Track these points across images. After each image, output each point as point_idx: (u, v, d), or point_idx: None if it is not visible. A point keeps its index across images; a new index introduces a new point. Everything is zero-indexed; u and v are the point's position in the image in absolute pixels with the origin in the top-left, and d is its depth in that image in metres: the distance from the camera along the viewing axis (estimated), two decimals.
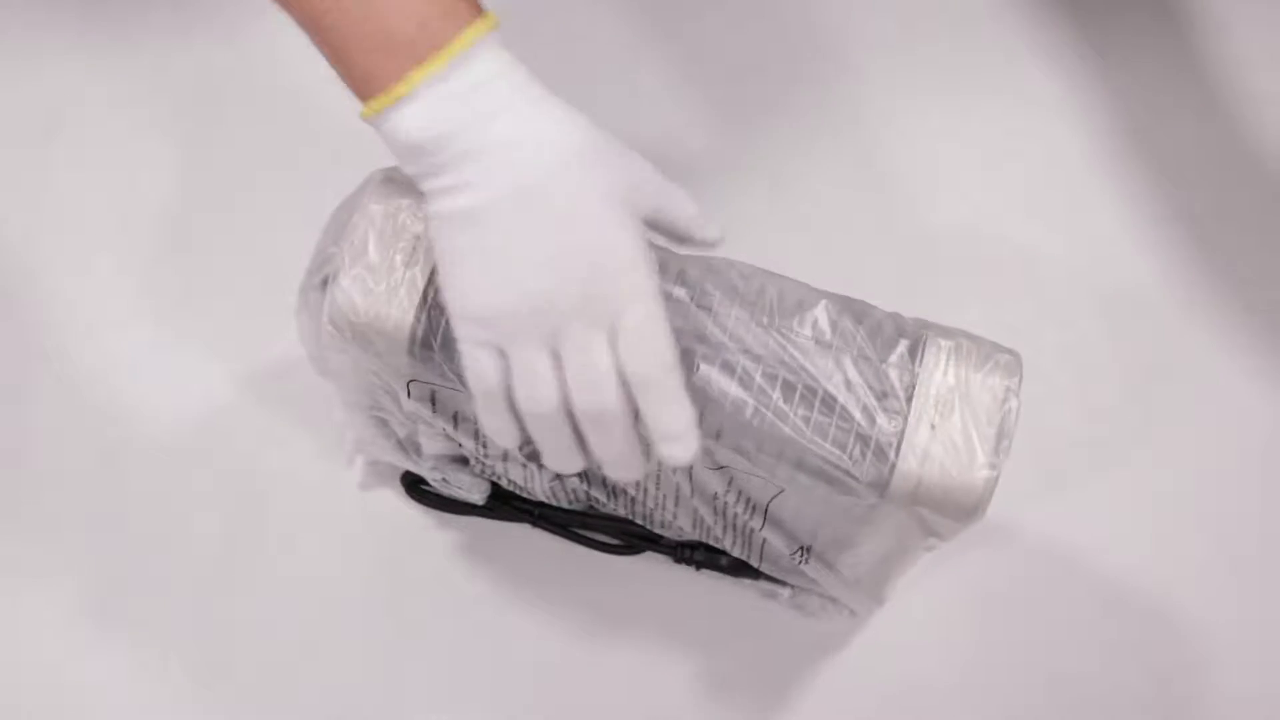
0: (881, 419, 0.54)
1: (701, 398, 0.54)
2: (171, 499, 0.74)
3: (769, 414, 0.54)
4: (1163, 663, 0.77)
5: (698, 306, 0.56)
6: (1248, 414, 0.82)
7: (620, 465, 0.53)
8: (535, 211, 0.50)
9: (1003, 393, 0.55)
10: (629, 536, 0.73)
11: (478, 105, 0.50)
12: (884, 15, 0.90)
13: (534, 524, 0.73)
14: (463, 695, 0.73)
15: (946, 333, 0.57)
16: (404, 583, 0.74)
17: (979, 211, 0.85)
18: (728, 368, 0.55)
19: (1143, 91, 0.90)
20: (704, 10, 0.90)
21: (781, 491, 0.58)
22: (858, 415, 0.54)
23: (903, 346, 0.56)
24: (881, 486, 0.54)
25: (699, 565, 0.72)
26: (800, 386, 0.55)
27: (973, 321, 0.60)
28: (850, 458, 0.54)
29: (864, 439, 0.54)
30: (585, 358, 0.50)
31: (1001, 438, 0.55)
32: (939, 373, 0.55)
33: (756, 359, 0.55)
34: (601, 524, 0.73)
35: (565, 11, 0.88)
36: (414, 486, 0.74)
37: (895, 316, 0.58)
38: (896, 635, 0.75)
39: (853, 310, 0.57)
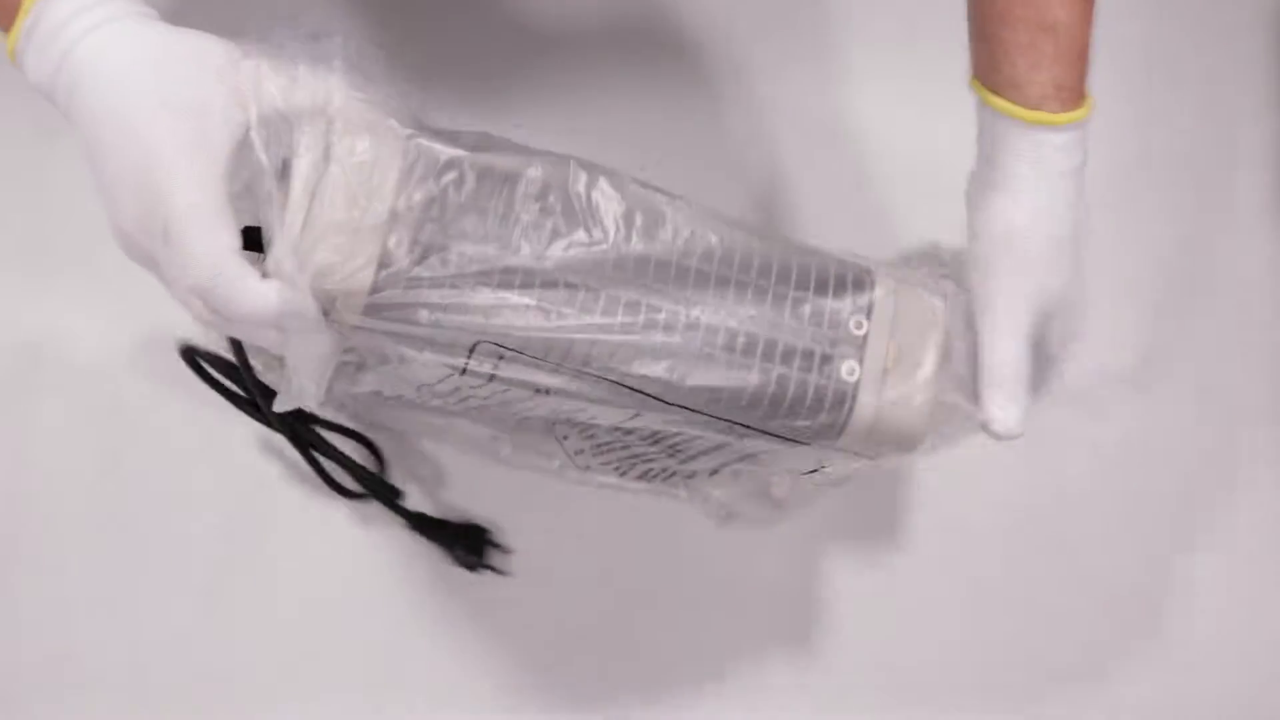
0: (838, 365, 0.54)
1: (646, 351, 0.53)
2: (172, 499, 0.74)
3: (724, 371, 0.53)
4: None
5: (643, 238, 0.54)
6: (1249, 413, 0.82)
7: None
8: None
9: (942, 326, 0.56)
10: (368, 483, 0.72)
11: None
12: (884, 15, 0.90)
13: (293, 442, 0.70)
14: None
15: (888, 269, 0.57)
16: (409, 581, 0.74)
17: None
18: (671, 323, 0.53)
19: (1144, 91, 0.90)
20: (704, 9, 0.90)
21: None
22: (815, 364, 0.54)
23: (851, 289, 0.55)
24: (837, 432, 0.55)
25: (428, 537, 0.72)
26: (761, 339, 0.54)
27: None
28: (809, 410, 0.54)
29: (821, 389, 0.54)
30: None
31: (943, 370, 0.56)
32: (887, 312, 0.55)
33: (713, 312, 0.54)
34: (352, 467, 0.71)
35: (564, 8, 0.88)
36: (193, 360, 0.70)
37: (839, 258, 0.57)
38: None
39: (799, 254, 0.56)
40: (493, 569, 0.74)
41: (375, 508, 0.74)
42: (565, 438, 0.67)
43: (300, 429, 0.70)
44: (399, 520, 0.73)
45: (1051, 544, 0.79)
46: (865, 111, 0.85)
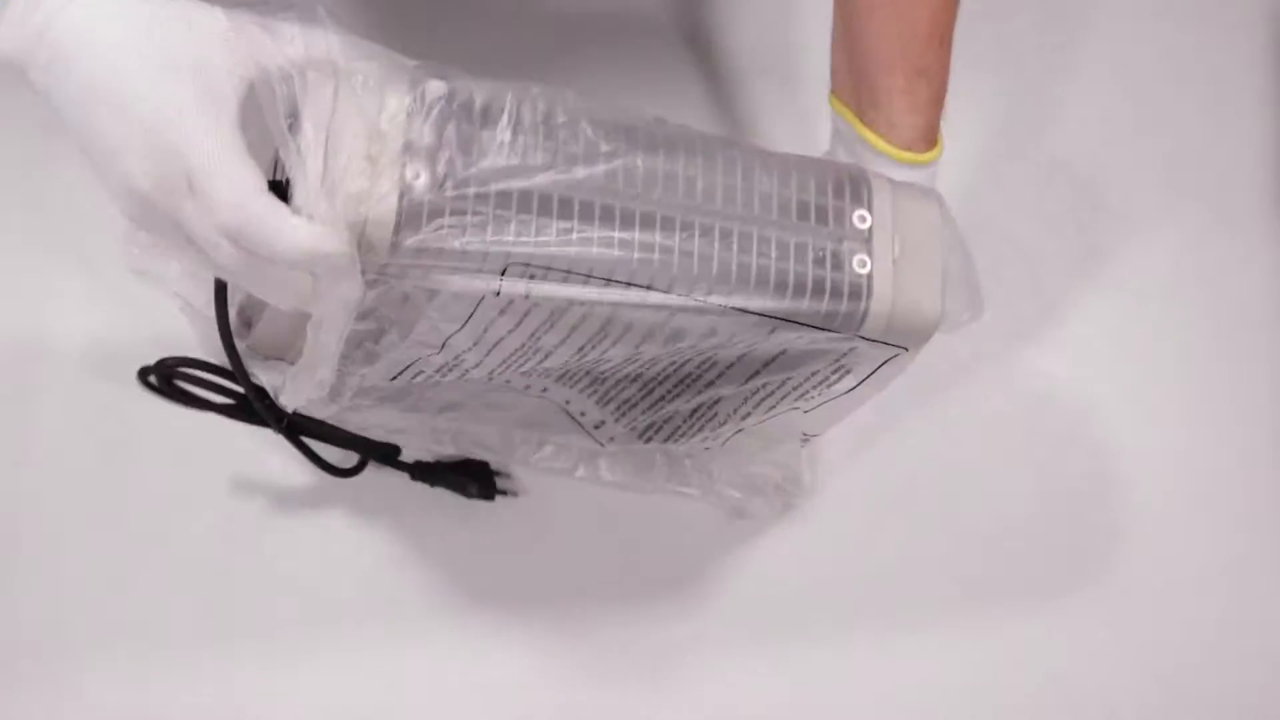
0: (849, 259, 0.57)
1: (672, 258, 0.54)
2: (171, 499, 0.74)
3: (744, 271, 0.55)
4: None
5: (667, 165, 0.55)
6: (1249, 413, 0.82)
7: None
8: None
9: (938, 218, 0.59)
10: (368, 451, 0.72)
11: None
12: None
13: (281, 432, 0.69)
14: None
15: (873, 170, 0.60)
16: (412, 581, 0.74)
17: (981, 212, 0.85)
18: (689, 229, 0.55)
19: (1144, 91, 0.90)
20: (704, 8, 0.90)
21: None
22: (827, 260, 0.56)
23: (849, 189, 0.58)
24: (859, 321, 0.57)
25: (432, 482, 0.74)
26: (773, 240, 0.56)
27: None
28: (830, 301, 0.56)
29: (837, 282, 0.56)
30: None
31: (940, 261, 0.58)
32: (887, 207, 0.58)
33: (725, 217, 0.55)
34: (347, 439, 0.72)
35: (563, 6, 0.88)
36: (165, 377, 0.71)
37: (830, 162, 0.60)
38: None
39: (796, 161, 0.58)
40: (507, 492, 0.75)
41: (372, 497, 0.74)
42: (582, 414, 0.67)
43: (288, 416, 0.69)
44: (401, 477, 0.74)
45: (1051, 544, 0.79)
46: None
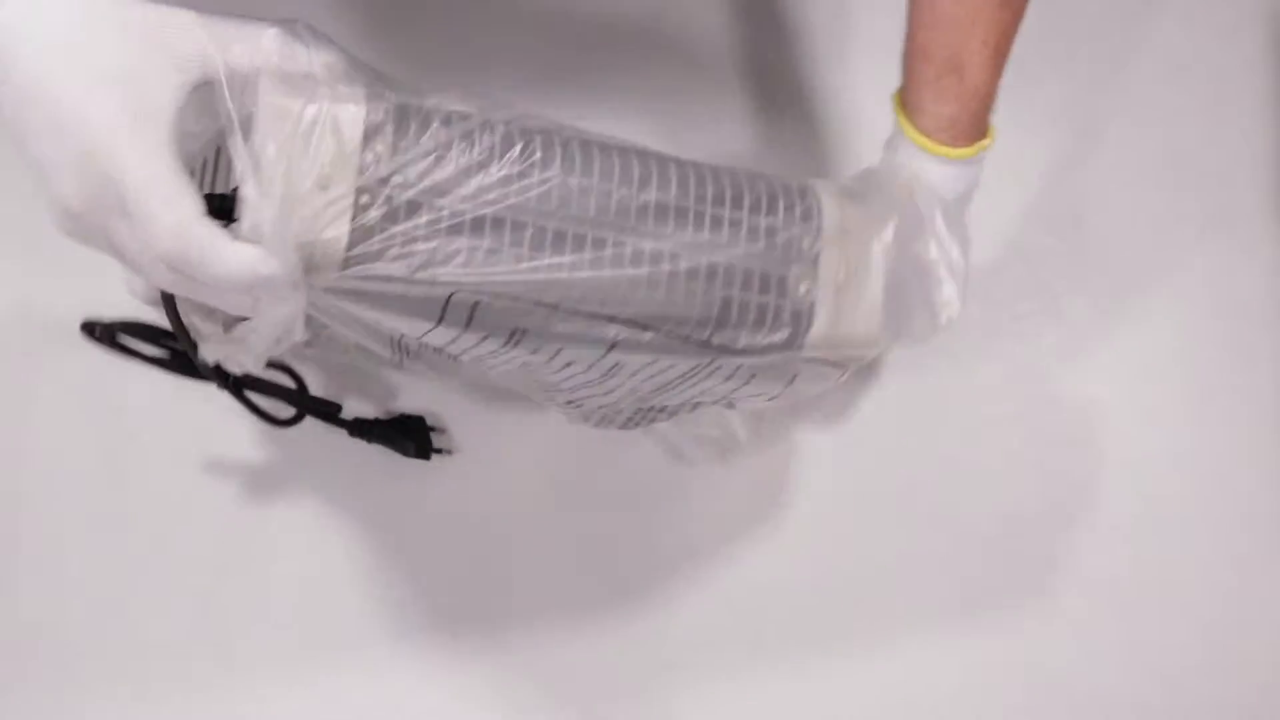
0: (794, 284, 0.57)
1: (610, 282, 0.54)
2: (171, 499, 0.74)
3: (684, 299, 0.55)
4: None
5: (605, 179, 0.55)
6: (1249, 414, 0.82)
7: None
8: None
9: (888, 234, 0.59)
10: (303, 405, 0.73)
11: None
12: (883, 15, 0.90)
13: (222, 387, 0.69)
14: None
15: (831, 185, 0.60)
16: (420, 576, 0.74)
17: (981, 211, 0.85)
18: (635, 256, 0.54)
19: (1144, 91, 0.90)
20: (702, 12, 0.90)
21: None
22: (771, 284, 0.56)
23: (799, 208, 0.58)
24: (798, 345, 0.57)
25: (369, 439, 0.74)
26: (720, 266, 0.55)
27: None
28: (769, 329, 0.57)
29: (779, 308, 0.57)
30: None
31: (883, 280, 0.59)
32: (834, 227, 0.58)
33: (661, 240, 0.55)
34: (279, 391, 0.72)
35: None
36: (109, 333, 0.70)
37: (783, 179, 0.59)
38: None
39: (746, 178, 0.58)
40: (443, 450, 0.75)
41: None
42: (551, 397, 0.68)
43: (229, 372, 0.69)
44: (340, 433, 0.73)
45: (1051, 544, 0.79)
46: (867, 107, 0.85)
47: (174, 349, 0.71)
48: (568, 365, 0.59)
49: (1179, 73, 0.90)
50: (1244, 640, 0.78)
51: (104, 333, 0.70)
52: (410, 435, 0.75)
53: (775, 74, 0.87)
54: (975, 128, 0.65)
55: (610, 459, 0.76)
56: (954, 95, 0.64)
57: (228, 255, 0.48)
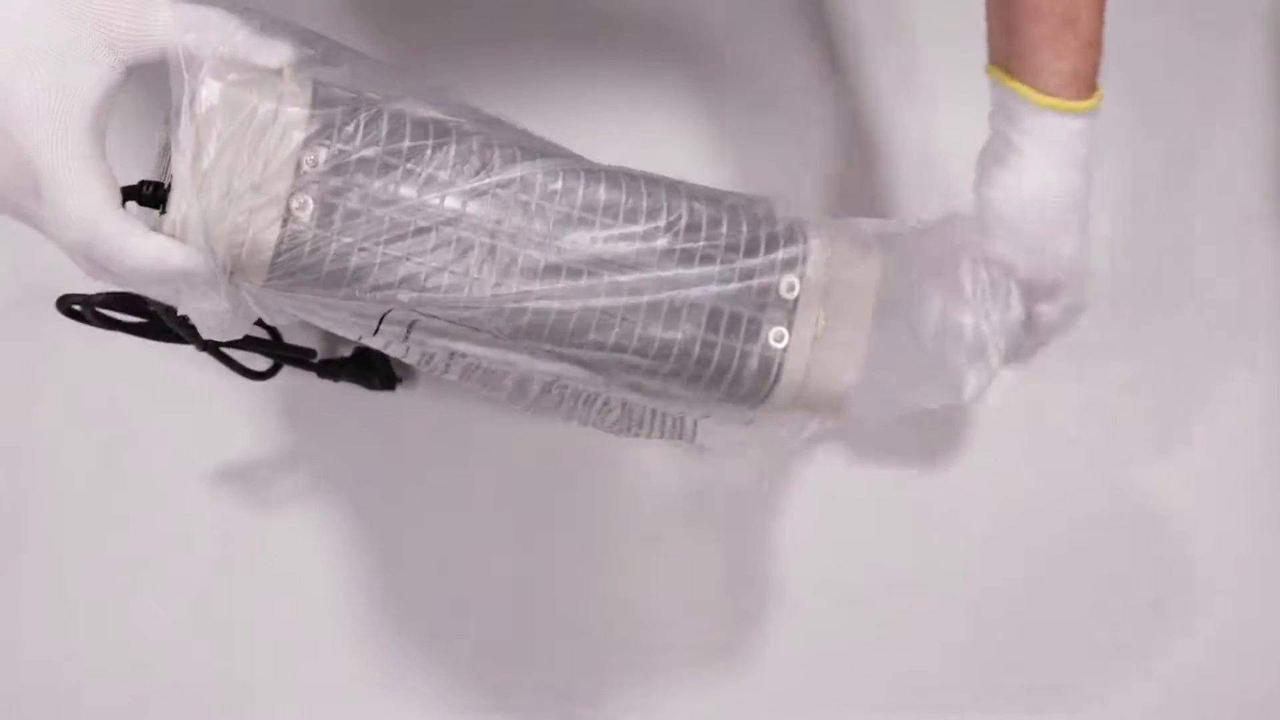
0: (767, 331, 0.53)
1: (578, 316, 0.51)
2: (171, 499, 0.74)
3: (646, 334, 0.51)
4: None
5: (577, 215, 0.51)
6: (1249, 414, 0.82)
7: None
8: None
9: (875, 292, 0.55)
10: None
11: None
12: (877, 15, 0.90)
13: (201, 348, 0.68)
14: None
15: (825, 226, 0.55)
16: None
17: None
18: (592, 287, 0.51)
19: (1145, 91, 0.90)
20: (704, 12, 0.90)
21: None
22: (742, 329, 0.52)
23: (784, 249, 0.53)
24: (761, 398, 0.53)
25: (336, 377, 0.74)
26: (688, 304, 0.52)
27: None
28: (733, 377, 0.53)
29: (746, 354, 0.52)
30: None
31: (869, 334, 0.54)
32: (820, 275, 0.53)
33: (630, 271, 0.51)
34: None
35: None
36: (77, 309, 0.69)
37: (774, 215, 0.54)
38: None
39: (730, 210, 0.54)
40: (403, 379, 0.76)
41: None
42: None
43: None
44: (310, 376, 0.74)
45: (1052, 544, 0.79)
46: (862, 104, 0.85)
47: (152, 315, 0.70)
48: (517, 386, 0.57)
49: (1179, 73, 0.90)
50: (1244, 640, 0.78)
51: (85, 307, 0.70)
52: (374, 369, 0.76)
53: (781, 80, 0.87)
54: (1093, 80, 0.63)
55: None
56: (1073, 49, 0.61)
57: (134, 249, 0.47)
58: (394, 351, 0.55)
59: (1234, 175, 0.88)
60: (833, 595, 0.76)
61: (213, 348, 0.68)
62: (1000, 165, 0.61)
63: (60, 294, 0.73)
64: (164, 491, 0.74)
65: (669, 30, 0.87)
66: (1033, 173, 0.61)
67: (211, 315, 0.51)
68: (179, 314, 0.58)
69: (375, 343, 0.54)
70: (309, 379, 0.74)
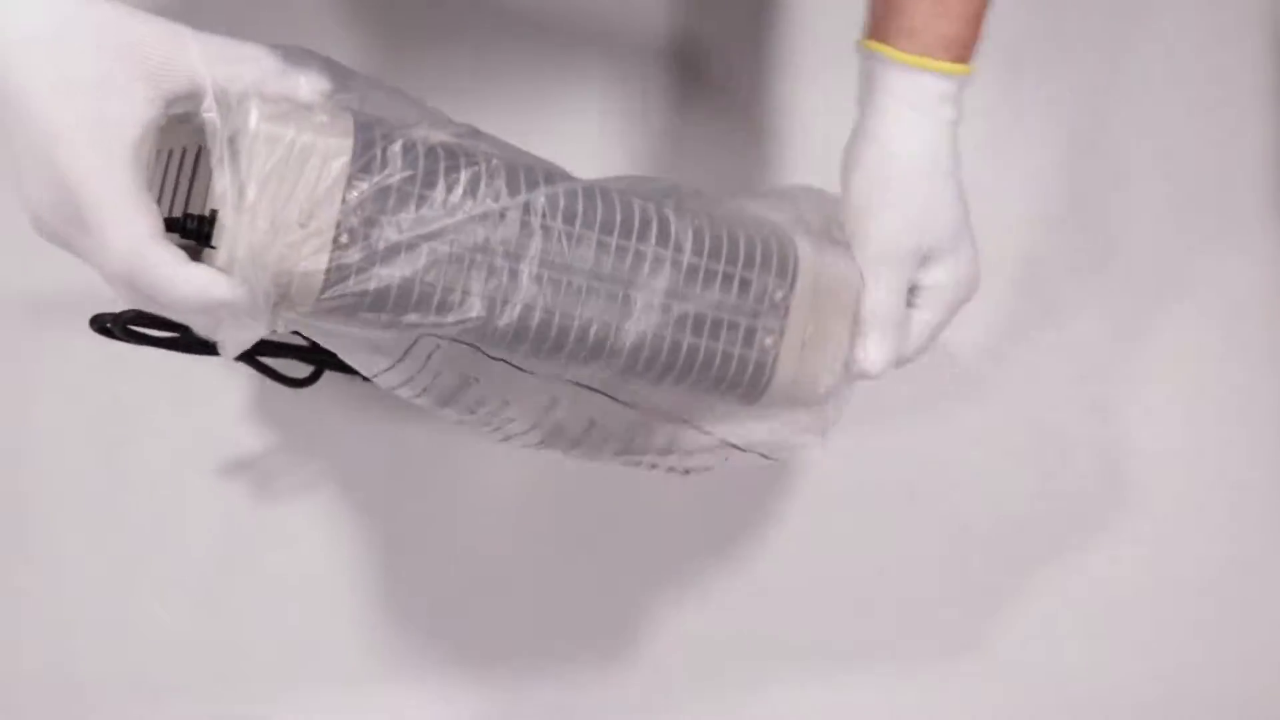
0: (761, 338, 0.56)
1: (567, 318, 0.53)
2: (171, 499, 0.74)
3: (649, 345, 0.54)
4: None
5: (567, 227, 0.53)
6: (1249, 414, 0.82)
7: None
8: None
9: (856, 296, 0.58)
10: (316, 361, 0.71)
11: None
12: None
13: (240, 358, 0.67)
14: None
15: (811, 238, 0.58)
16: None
17: (981, 211, 0.85)
18: (611, 297, 0.54)
19: (1145, 91, 0.90)
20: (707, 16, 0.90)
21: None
22: (739, 337, 0.55)
23: (776, 261, 0.56)
24: (756, 397, 0.57)
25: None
26: (690, 314, 0.55)
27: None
28: (730, 380, 0.56)
29: (744, 360, 0.56)
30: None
31: (850, 334, 0.58)
32: (809, 284, 0.57)
33: (633, 286, 0.54)
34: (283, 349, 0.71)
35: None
36: (121, 324, 0.69)
37: (764, 227, 0.57)
38: None
39: (727, 224, 0.56)
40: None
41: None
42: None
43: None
44: (356, 380, 0.71)
45: (1052, 544, 0.79)
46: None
47: (183, 329, 0.70)
48: (509, 422, 0.59)
49: (1179, 73, 0.90)
50: (1244, 640, 0.78)
51: (115, 325, 0.70)
52: None
53: (743, 79, 0.87)
54: (969, 51, 0.61)
55: None
56: (957, 13, 0.60)
57: (180, 279, 0.47)
58: (407, 392, 0.57)
59: (1234, 175, 0.88)
60: (829, 595, 0.76)
61: (249, 358, 0.68)
62: (869, 138, 0.60)
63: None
64: (164, 492, 0.74)
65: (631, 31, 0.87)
66: (902, 137, 0.60)
67: (242, 345, 0.52)
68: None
69: (389, 378, 0.55)
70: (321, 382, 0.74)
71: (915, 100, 0.60)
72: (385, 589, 0.74)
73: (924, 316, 0.60)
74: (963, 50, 0.61)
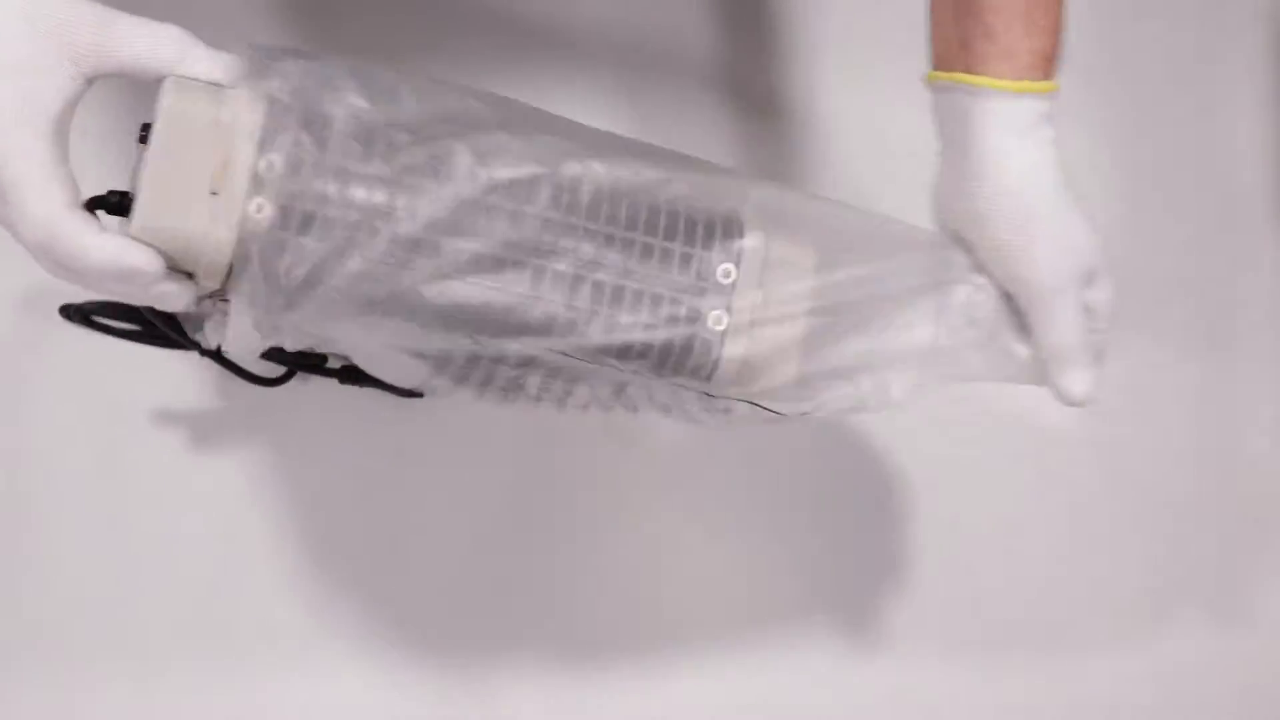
0: (706, 315, 0.55)
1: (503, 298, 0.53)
2: (171, 499, 0.74)
3: (592, 324, 0.54)
4: None
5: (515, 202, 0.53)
6: (1249, 414, 0.82)
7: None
8: None
9: (811, 273, 0.57)
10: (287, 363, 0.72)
11: None
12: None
13: (203, 354, 0.69)
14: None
15: (756, 217, 0.57)
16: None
17: None
18: (538, 278, 0.53)
19: (1145, 91, 0.90)
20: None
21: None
22: (682, 314, 0.55)
23: (720, 236, 0.56)
24: (706, 376, 0.56)
25: (361, 383, 0.72)
26: (629, 290, 0.55)
27: None
28: (677, 358, 0.55)
29: (688, 339, 0.55)
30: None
31: (804, 323, 0.57)
32: (756, 261, 0.56)
33: (573, 262, 0.54)
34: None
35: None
36: (79, 315, 0.71)
37: (710, 200, 0.57)
38: None
39: (669, 199, 0.56)
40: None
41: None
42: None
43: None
44: (330, 382, 0.73)
45: (1051, 544, 0.79)
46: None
47: (147, 323, 0.71)
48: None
49: (1179, 73, 0.90)
50: (1244, 639, 0.78)
51: (77, 313, 0.71)
52: None
53: (744, 72, 0.87)
54: (1054, 65, 0.60)
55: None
56: (1044, 27, 0.59)
57: (92, 248, 0.49)
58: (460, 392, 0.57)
59: (1234, 175, 0.88)
60: (828, 595, 0.76)
61: (217, 355, 0.68)
62: (977, 179, 0.59)
63: (59, 298, 0.74)
64: (164, 491, 0.74)
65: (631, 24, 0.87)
66: (1021, 170, 0.59)
67: (243, 336, 0.54)
68: (177, 320, 0.59)
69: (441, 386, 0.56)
70: (312, 381, 0.74)
71: (1021, 126, 0.59)
72: (386, 590, 0.74)
73: (1100, 328, 0.61)
74: (1051, 65, 0.60)
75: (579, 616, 0.75)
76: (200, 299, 0.54)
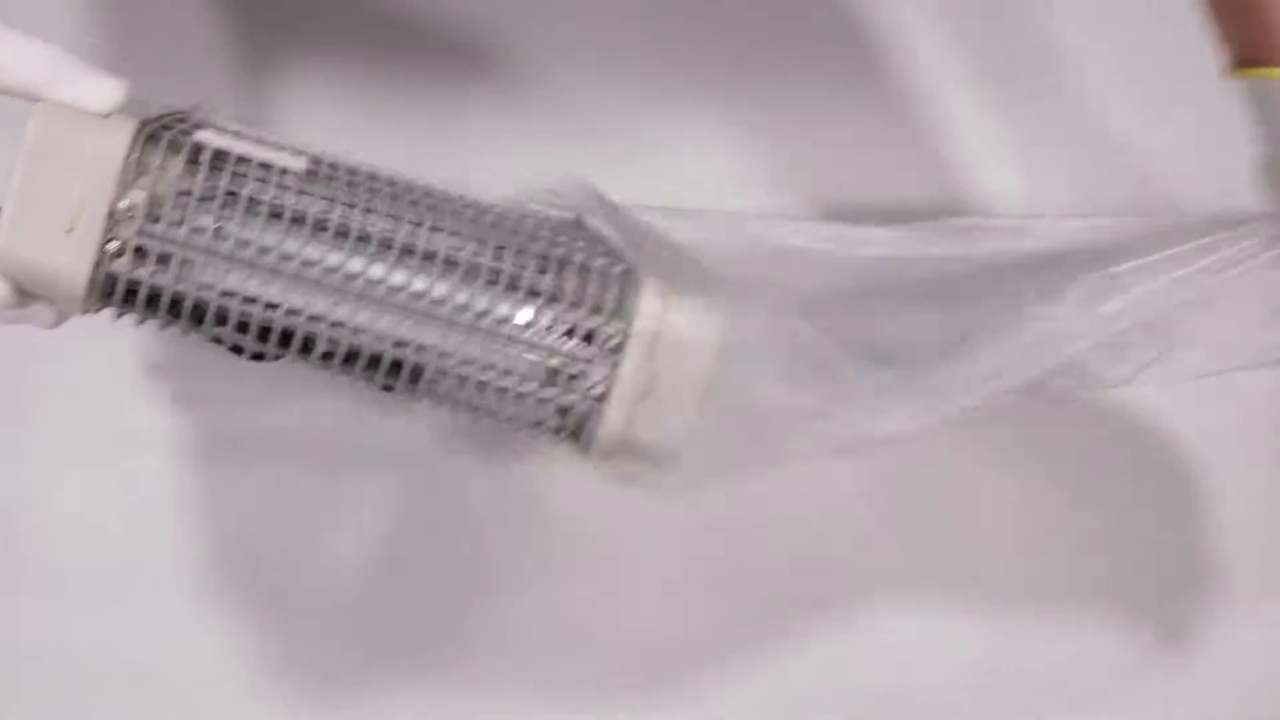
0: (585, 382, 0.51)
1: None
2: (171, 499, 0.74)
3: (467, 381, 0.51)
4: None
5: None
6: (1248, 414, 0.82)
7: None
8: None
9: (714, 342, 0.52)
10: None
11: None
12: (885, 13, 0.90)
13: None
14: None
15: (656, 280, 0.53)
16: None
17: (975, 211, 0.85)
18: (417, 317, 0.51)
19: (1145, 91, 0.90)
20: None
21: None
22: (562, 380, 0.51)
23: (615, 299, 0.52)
24: (583, 447, 0.52)
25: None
26: (505, 351, 0.51)
27: None
28: (553, 424, 0.52)
29: (565, 406, 0.52)
30: None
31: (703, 393, 0.52)
32: (650, 328, 0.51)
33: (452, 309, 0.51)
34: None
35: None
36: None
37: (605, 260, 0.53)
38: None
39: (559, 260, 0.53)
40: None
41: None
42: None
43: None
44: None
45: (1051, 544, 0.79)
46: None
47: None
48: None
49: (1179, 73, 0.91)
50: (1244, 640, 0.78)
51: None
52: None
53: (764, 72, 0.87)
54: None
55: None
56: None
57: None
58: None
59: (1233, 175, 0.88)
60: (829, 595, 0.76)
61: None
62: None
63: None
64: (164, 491, 0.74)
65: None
66: None
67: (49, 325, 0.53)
68: None
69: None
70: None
71: None
72: (385, 591, 0.74)
73: None
74: None
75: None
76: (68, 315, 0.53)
